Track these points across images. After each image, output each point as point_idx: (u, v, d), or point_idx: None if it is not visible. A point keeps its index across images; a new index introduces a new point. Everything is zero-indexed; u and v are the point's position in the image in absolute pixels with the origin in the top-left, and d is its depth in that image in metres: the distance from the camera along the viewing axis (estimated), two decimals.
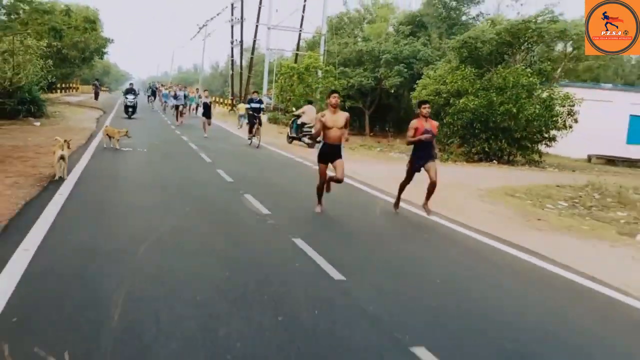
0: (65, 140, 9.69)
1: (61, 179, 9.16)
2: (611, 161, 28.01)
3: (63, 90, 46.00)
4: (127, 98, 27.40)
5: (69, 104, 32.81)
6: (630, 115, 30.50)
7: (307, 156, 15.51)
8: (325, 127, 8.23)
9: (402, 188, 8.85)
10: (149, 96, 41.02)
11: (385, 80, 30.94)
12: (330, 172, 8.40)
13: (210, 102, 23.37)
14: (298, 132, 19.76)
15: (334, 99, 8.28)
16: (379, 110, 34.91)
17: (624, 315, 5.07)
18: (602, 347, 4.30)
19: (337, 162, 8.30)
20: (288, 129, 21.46)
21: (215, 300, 4.45)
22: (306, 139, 19.17)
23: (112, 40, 35.50)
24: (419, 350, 3.73)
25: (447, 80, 21.86)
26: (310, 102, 21.99)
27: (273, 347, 3.67)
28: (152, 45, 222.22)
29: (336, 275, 5.18)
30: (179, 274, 5.07)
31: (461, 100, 20.26)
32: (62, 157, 9.16)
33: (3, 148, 12.67)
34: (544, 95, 20.07)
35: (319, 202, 8.43)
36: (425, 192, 8.63)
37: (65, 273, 4.82)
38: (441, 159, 19.72)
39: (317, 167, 8.52)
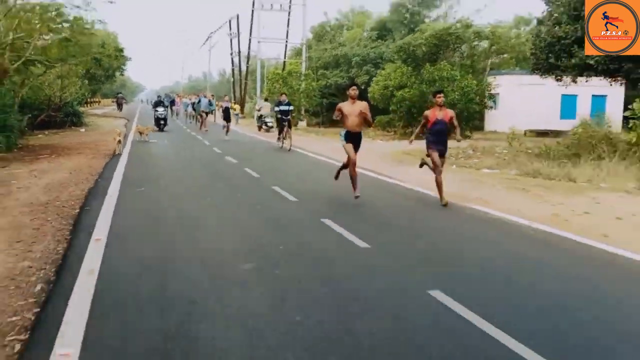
0: (118, 133, 16.41)
1: (119, 155, 15.81)
2: (544, 133, 34.04)
3: (88, 105, 53.22)
4: (157, 111, 27.23)
5: (97, 116, 39.73)
6: (562, 94, 36.44)
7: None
8: (344, 116, 9.01)
9: (438, 183, 9.03)
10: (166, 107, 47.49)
11: (356, 79, 37.37)
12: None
13: (230, 106, 25.48)
14: (259, 121, 28.34)
15: (353, 91, 9.08)
16: None
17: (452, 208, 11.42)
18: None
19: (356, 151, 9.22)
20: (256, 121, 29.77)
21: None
22: (264, 126, 27.66)
23: (130, 58, 42.38)
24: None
25: (391, 77, 28.30)
26: (266, 100, 30.50)
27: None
28: (162, 56, 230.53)
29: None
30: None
31: (399, 92, 26.65)
32: (119, 141, 15.89)
33: (73, 144, 19.45)
34: (462, 84, 26.33)
35: (354, 186, 9.04)
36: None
37: (135, 180, 11.39)
38: (390, 138, 26.34)
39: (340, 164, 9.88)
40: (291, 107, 19.95)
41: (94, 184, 10.50)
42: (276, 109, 20.17)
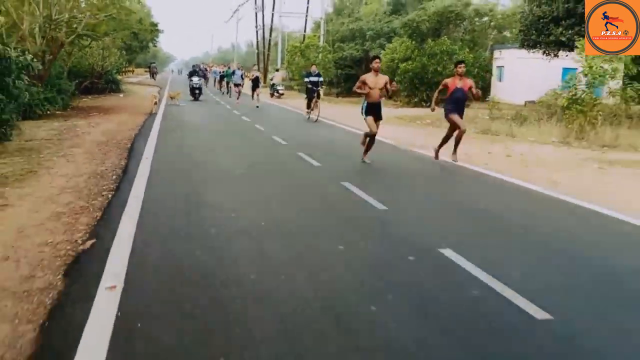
0: (154, 96, 19.83)
1: (155, 114, 19.19)
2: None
3: (124, 73, 57.04)
4: (191, 80, 27.38)
5: (132, 84, 43.35)
6: (563, 67, 38.59)
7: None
8: (368, 88, 9.39)
9: (444, 140, 10.03)
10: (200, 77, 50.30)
11: (370, 52, 40.11)
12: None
13: (259, 76, 26.13)
14: (271, 89, 31.41)
15: (376, 64, 9.42)
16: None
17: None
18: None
19: (377, 122, 9.64)
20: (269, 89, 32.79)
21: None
22: (276, 93, 30.77)
23: (162, 30, 45.66)
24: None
25: (397, 50, 31.10)
26: (276, 70, 33.69)
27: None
28: (192, 27, 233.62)
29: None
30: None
31: (403, 65, 29.47)
32: (155, 103, 19.33)
33: (116, 105, 22.96)
34: (460, 57, 28.99)
35: (365, 152, 9.73)
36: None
37: (168, 129, 14.73)
38: (396, 106, 29.26)
39: (363, 132, 10.33)
40: (321, 79, 19.82)
41: (138, 131, 13.95)
42: (306, 79, 19.94)
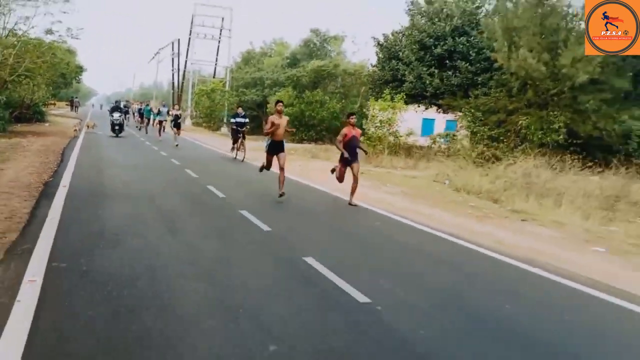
0: (76, 124, 25.97)
1: (77, 137, 25.23)
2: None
3: (48, 106, 61.64)
4: (112, 116, 27.38)
5: (55, 115, 48.40)
6: (423, 118, 47.81)
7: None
8: (275, 127, 10.43)
9: (340, 181, 11.21)
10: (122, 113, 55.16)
11: (268, 97, 47.61)
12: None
13: (180, 114, 26.44)
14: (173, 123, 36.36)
15: (280, 107, 10.67)
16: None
17: None
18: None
19: (281, 154, 10.73)
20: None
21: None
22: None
23: (86, 69, 51.27)
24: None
25: (283, 98, 38.60)
26: (163, 105, 38.35)
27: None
28: (115, 63, 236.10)
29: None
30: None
31: (286, 109, 36.83)
32: (75, 130, 25.48)
33: (45, 131, 28.73)
34: (329, 106, 36.75)
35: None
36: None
37: (87, 146, 20.98)
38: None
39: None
40: (247, 120, 20.28)
41: (66, 145, 20.24)
42: (232, 120, 20.37)
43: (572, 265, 7.33)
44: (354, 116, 10.98)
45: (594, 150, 20.94)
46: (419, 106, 31.52)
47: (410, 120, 41.38)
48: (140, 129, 34.65)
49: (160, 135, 27.09)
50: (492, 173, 15.96)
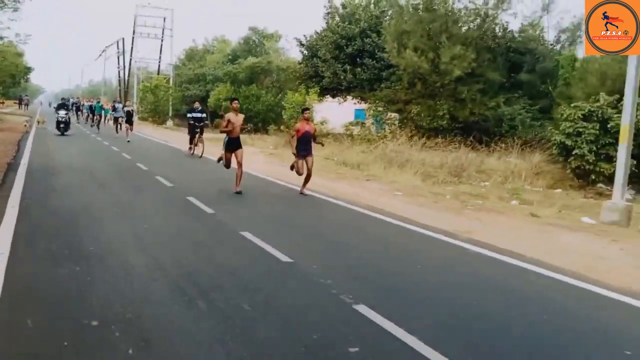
0: (26, 120, 28.88)
1: (28, 132, 28.14)
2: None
3: None
4: (58, 114, 26.83)
5: (4, 113, 50.37)
6: (355, 109, 52.00)
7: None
8: (231, 124, 10.70)
9: (299, 174, 11.49)
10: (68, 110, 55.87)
11: (210, 92, 50.83)
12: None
13: (132, 110, 26.78)
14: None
15: (235, 105, 10.91)
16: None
17: None
18: None
19: (238, 151, 11.05)
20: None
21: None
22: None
23: (33, 69, 53.31)
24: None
25: (222, 93, 42.05)
26: (114, 101, 40.83)
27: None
28: (63, 61, 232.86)
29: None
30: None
31: (224, 103, 40.28)
32: (26, 125, 28.45)
33: None
34: (264, 99, 40.33)
35: (237, 183, 11.06)
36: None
37: (39, 138, 24.04)
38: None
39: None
40: (204, 115, 20.09)
41: (20, 137, 23.34)
42: (189, 115, 20.00)
43: (379, 204, 11.07)
44: (308, 111, 11.53)
45: (477, 133, 25.31)
46: (343, 99, 35.55)
47: (329, 109, 44.52)
48: (92, 126, 35.16)
49: (117, 132, 27.54)
50: (373, 152, 19.97)
